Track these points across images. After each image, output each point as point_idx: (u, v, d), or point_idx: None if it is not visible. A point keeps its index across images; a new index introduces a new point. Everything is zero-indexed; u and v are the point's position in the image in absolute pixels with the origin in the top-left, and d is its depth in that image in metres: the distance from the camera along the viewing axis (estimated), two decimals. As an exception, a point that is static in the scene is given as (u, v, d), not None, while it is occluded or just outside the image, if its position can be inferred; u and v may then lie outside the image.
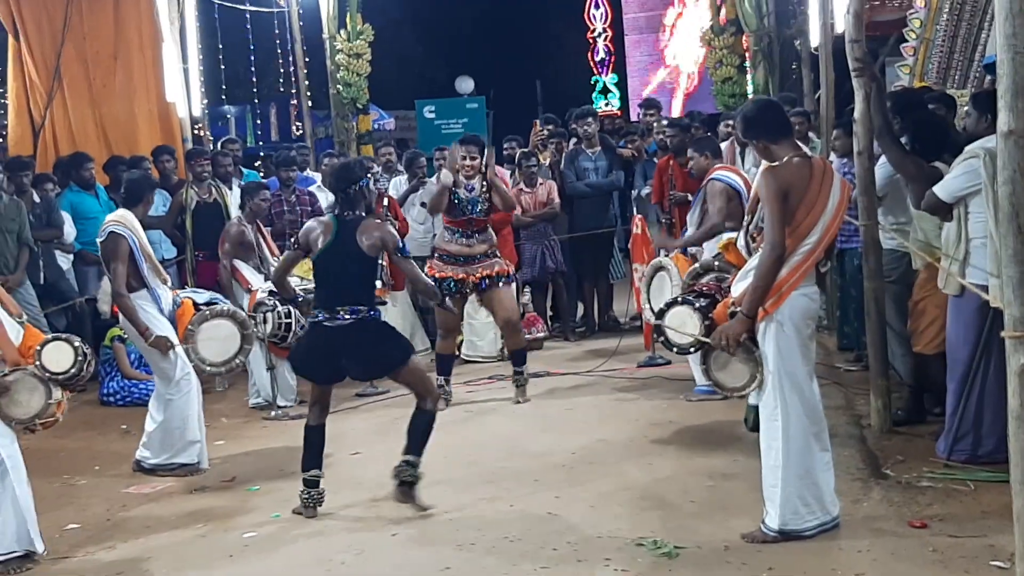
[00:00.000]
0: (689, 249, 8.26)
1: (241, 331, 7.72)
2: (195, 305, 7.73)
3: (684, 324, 5.80)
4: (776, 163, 5.43)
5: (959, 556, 5.07)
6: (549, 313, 12.17)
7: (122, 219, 7.51)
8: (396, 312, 10.62)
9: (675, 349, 5.97)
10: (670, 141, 10.49)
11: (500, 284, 9.04)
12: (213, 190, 11.06)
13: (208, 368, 7.71)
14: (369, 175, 6.89)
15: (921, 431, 7.08)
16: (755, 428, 6.79)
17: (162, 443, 7.58)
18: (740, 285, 5.50)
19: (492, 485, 6.77)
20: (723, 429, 7.57)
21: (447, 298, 7.57)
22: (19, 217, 10.26)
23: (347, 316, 6.29)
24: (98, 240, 7.67)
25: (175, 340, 7.50)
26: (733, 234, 7.04)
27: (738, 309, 5.42)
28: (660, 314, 5.96)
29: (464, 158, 9.00)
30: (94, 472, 7.84)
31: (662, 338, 5.98)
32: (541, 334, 11.47)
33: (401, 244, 6.56)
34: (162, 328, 7.50)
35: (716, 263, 6.84)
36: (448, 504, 6.41)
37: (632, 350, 10.36)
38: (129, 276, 7.42)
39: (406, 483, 6.33)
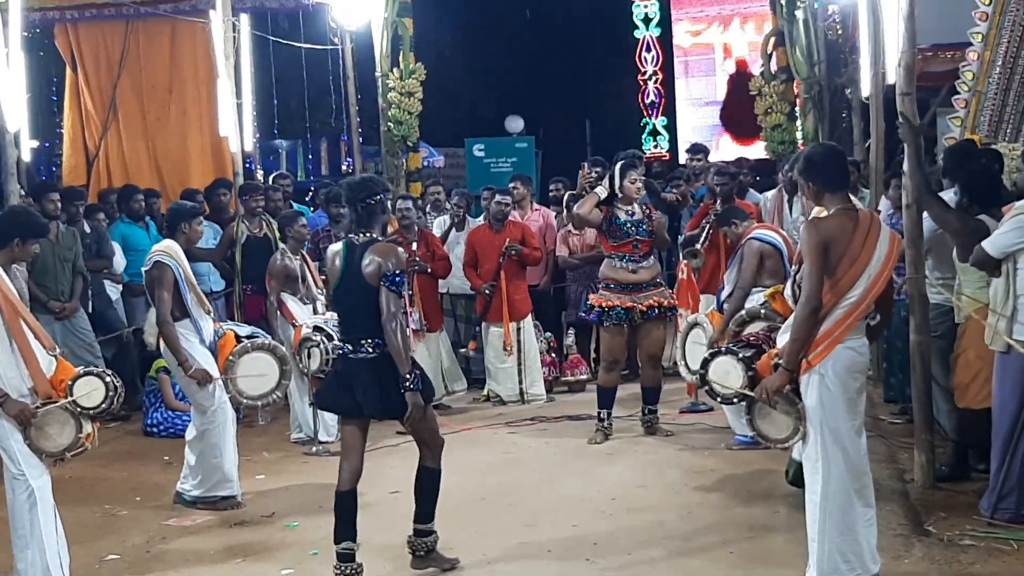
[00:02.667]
0: (725, 305, 8.19)
1: (280, 366, 7.79)
2: (237, 337, 7.79)
3: (728, 374, 5.77)
4: (820, 215, 5.43)
5: (1001, 617, 5.01)
6: (592, 355, 12.13)
7: (167, 249, 7.62)
8: (430, 353, 10.60)
9: (719, 399, 5.95)
10: (719, 189, 10.41)
11: (665, 317, 9.07)
12: (264, 224, 11.15)
13: (245, 400, 7.79)
14: (388, 193, 6.28)
15: (965, 488, 7.00)
16: (795, 482, 6.76)
17: (202, 476, 7.63)
18: (784, 337, 5.48)
19: (530, 529, 6.76)
20: (765, 479, 7.52)
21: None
22: (75, 246, 10.42)
23: (371, 350, 5.83)
24: (143, 269, 7.77)
25: (215, 372, 7.58)
26: (715, 309, 7.06)
27: (780, 361, 5.40)
28: (704, 363, 5.94)
29: (635, 182, 8.98)
30: (135, 503, 7.89)
31: (707, 387, 5.96)
32: (584, 376, 11.47)
33: (393, 273, 5.75)
34: (202, 358, 7.57)
35: (763, 311, 6.81)
36: (486, 547, 6.40)
37: (675, 395, 10.31)
38: (173, 306, 7.52)
39: (423, 555, 6.06)
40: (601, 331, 9.22)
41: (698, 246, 9.91)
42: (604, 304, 8.96)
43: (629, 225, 8.94)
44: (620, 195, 8.97)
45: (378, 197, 5.93)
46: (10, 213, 6.59)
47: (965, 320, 6.96)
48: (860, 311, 5.32)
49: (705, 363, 5.92)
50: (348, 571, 5.85)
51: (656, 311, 8.99)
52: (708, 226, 9.90)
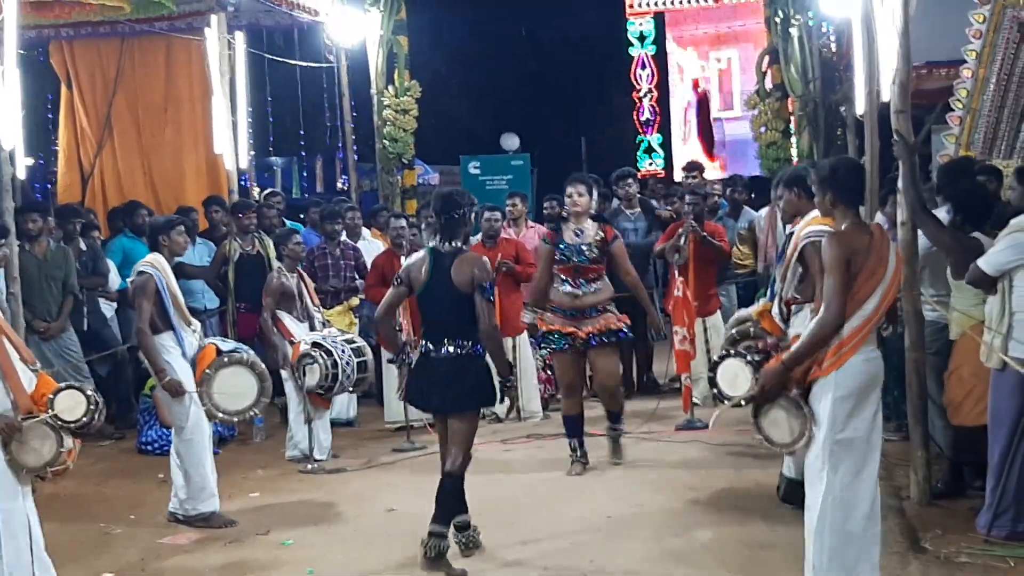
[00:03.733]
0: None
1: (259, 383, 7.72)
2: (218, 351, 7.76)
3: (736, 377, 5.70)
4: (840, 230, 5.42)
5: (998, 635, 5.00)
6: (588, 373, 12.11)
7: (153, 261, 7.67)
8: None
9: (726, 401, 5.87)
10: (691, 208, 10.53)
11: (607, 341, 8.42)
12: (256, 242, 11.15)
13: (221, 415, 7.68)
14: (474, 206, 6.71)
15: (961, 505, 6.99)
16: (786, 499, 6.74)
17: (188, 493, 7.61)
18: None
19: (526, 547, 6.74)
20: (762, 496, 7.49)
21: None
22: (65, 264, 10.40)
23: (451, 349, 6.40)
24: (128, 281, 7.78)
25: (191, 385, 7.55)
26: (767, 300, 6.98)
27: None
28: (713, 366, 5.88)
29: (570, 196, 8.42)
30: (130, 521, 7.86)
31: (715, 389, 5.88)
32: (579, 394, 11.42)
33: (487, 284, 6.39)
34: (181, 371, 7.56)
35: (752, 330, 6.78)
36: (481, 566, 6.39)
37: (671, 412, 10.29)
38: (155, 317, 7.53)
39: (432, 557, 6.23)
40: (552, 357, 8.65)
41: (681, 243, 10.12)
42: (546, 328, 8.43)
43: (570, 251, 8.37)
44: (566, 214, 8.61)
45: (462, 210, 6.53)
46: None
47: (959, 337, 6.96)
48: (874, 322, 5.34)
49: (714, 366, 5.87)
50: (467, 539, 6.62)
51: (601, 338, 8.39)
52: (685, 236, 10.06)
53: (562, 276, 8.42)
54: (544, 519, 7.38)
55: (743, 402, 5.73)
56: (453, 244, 6.48)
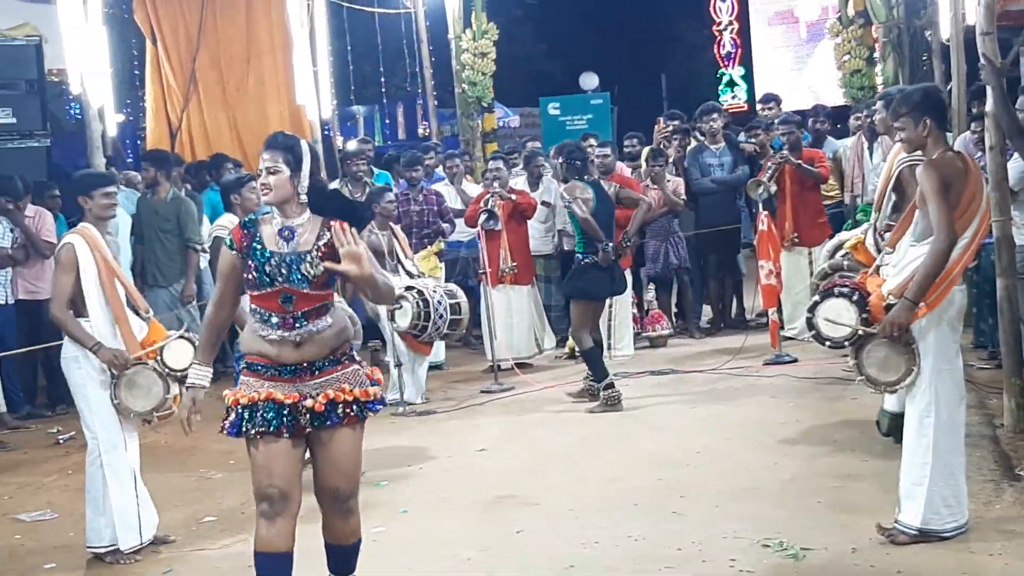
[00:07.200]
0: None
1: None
2: None
3: (840, 316, 5.58)
4: (934, 157, 5.33)
5: (1094, 561, 4.96)
6: (674, 310, 12.12)
7: (226, 224, 7.68)
8: (521, 308, 10.75)
9: (828, 343, 5.75)
10: (785, 138, 10.43)
11: (348, 415, 4.66)
12: (365, 188, 11.32)
13: None
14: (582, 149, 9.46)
15: (1056, 432, 6.91)
16: (889, 432, 6.66)
17: None
18: (896, 280, 5.36)
19: (615, 483, 6.79)
20: (850, 429, 7.46)
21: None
22: (179, 217, 10.55)
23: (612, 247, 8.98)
24: (207, 245, 7.89)
25: None
26: (860, 233, 6.87)
27: (894, 301, 5.30)
28: (813, 307, 5.77)
29: (265, 172, 4.87)
30: (229, 466, 8.04)
31: (813, 332, 5.78)
32: (666, 331, 11.44)
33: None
34: None
35: (845, 262, 6.70)
36: (571, 503, 6.44)
37: (758, 348, 10.26)
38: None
39: (617, 401, 8.62)
40: (249, 445, 4.82)
41: (764, 178, 9.96)
42: (245, 401, 4.76)
43: (273, 265, 4.59)
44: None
45: (581, 153, 9.31)
46: (75, 176, 6.75)
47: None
48: (971, 252, 5.30)
49: (814, 306, 5.75)
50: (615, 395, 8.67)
51: (337, 413, 4.65)
52: (775, 168, 9.99)
53: (260, 309, 4.67)
54: (632, 455, 7.42)
55: (846, 341, 5.60)
56: (591, 177, 9.18)
